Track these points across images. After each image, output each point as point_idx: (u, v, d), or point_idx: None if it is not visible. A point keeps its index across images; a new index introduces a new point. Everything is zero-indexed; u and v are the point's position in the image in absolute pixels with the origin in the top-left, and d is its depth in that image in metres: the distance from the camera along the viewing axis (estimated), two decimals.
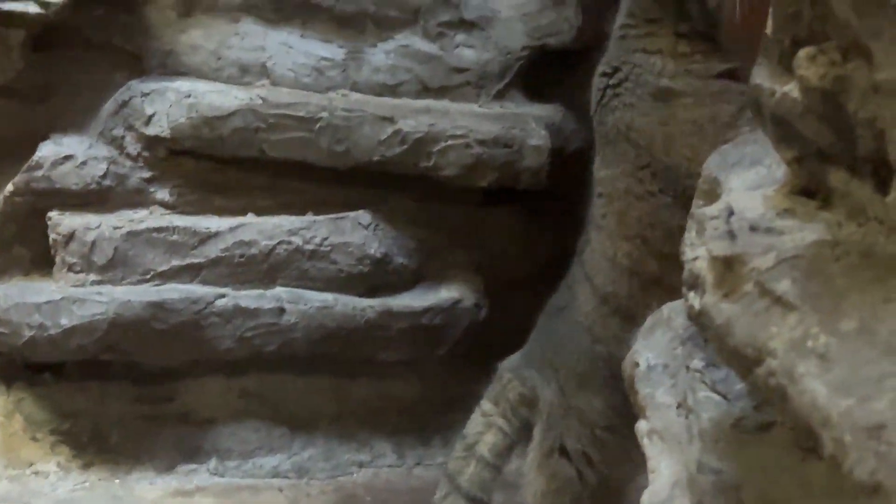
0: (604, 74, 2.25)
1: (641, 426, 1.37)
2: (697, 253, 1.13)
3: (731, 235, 1.06)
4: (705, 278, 1.06)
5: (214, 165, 2.80)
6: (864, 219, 1.00)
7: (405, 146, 2.72)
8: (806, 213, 1.09)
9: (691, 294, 1.11)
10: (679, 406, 1.32)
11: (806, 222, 1.05)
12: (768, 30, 1.11)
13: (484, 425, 2.39)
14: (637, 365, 1.43)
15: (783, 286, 0.93)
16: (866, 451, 0.73)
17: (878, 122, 0.90)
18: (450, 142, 2.73)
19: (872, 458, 0.72)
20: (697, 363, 1.30)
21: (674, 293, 2.09)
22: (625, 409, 2.16)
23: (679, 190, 2.12)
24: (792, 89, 1.05)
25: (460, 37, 2.85)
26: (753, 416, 1.16)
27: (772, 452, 1.09)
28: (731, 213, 1.11)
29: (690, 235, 1.22)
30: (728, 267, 1.01)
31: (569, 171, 2.76)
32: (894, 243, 0.92)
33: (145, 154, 2.78)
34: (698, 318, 1.07)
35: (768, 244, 1.00)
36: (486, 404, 2.41)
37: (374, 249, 2.79)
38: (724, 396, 1.21)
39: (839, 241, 0.97)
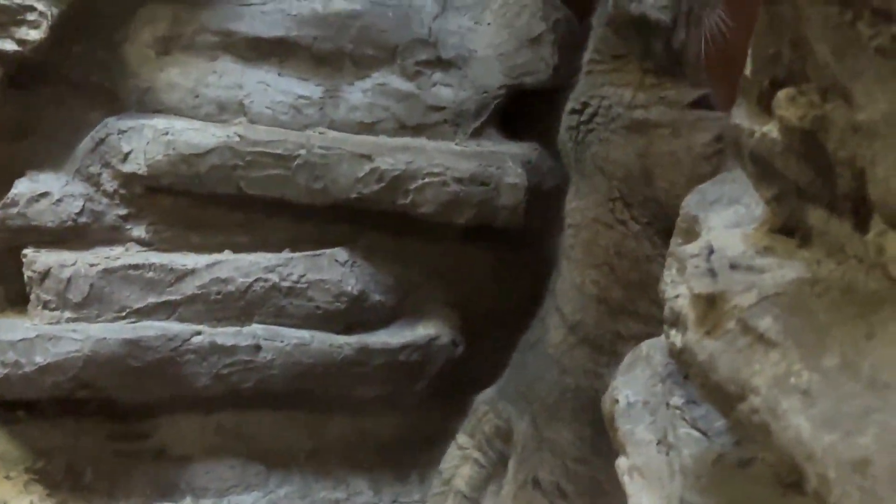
0: (573, 111, 2.29)
1: (622, 463, 1.38)
2: (678, 291, 1.14)
3: (712, 273, 1.07)
4: (687, 316, 1.07)
5: (191, 202, 2.79)
6: (844, 256, 1.02)
7: (382, 183, 2.73)
8: (785, 250, 1.10)
9: (673, 331, 1.12)
10: (659, 443, 1.33)
11: (786, 260, 1.07)
12: (747, 70, 1.13)
13: (460, 458, 2.40)
14: (617, 402, 1.44)
15: (765, 323, 0.94)
16: (851, 486, 0.74)
17: (858, 161, 0.92)
18: (427, 179, 2.73)
19: (857, 493, 0.73)
20: (677, 400, 1.31)
21: (639, 320, 2.11)
22: (595, 441, 2.18)
23: (655, 219, 2.15)
24: (771, 129, 1.07)
25: (437, 75, 2.86)
26: (734, 453, 1.17)
27: (753, 488, 1.10)
28: (711, 251, 1.12)
29: (671, 273, 1.24)
30: (710, 304, 1.02)
31: (545, 208, 2.77)
32: (874, 280, 0.93)
33: (122, 191, 2.77)
34: (680, 356, 1.09)
35: (749, 282, 1.02)
36: (461, 437, 2.42)
37: (351, 286, 2.79)
38: (705, 433, 1.23)
39: (819, 279, 0.98)
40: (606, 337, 2.19)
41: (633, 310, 2.16)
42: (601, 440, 2.16)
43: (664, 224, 2.12)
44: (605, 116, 2.21)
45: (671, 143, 2.14)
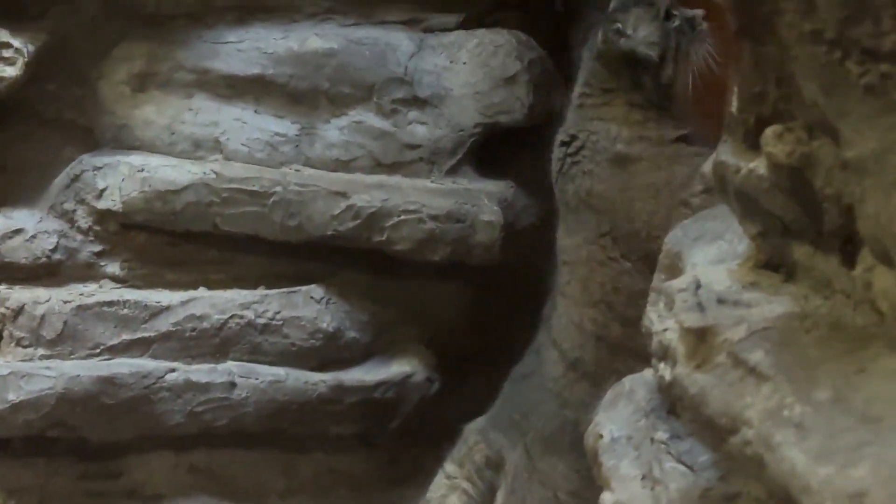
0: (562, 144, 2.31)
1: (606, 498, 1.38)
2: (666, 325, 1.15)
3: (701, 308, 1.08)
4: (676, 349, 1.08)
5: (166, 239, 2.79)
6: (830, 292, 1.03)
7: (358, 221, 2.74)
8: (771, 286, 1.12)
9: (661, 365, 1.13)
10: (644, 478, 1.33)
11: (772, 295, 1.08)
12: (732, 108, 1.14)
13: (448, 488, 2.39)
14: (601, 437, 1.44)
15: (756, 357, 0.95)
16: None
17: (846, 198, 0.94)
18: (403, 217, 2.74)
19: None
20: (662, 435, 1.31)
21: (639, 357, 2.11)
22: (589, 475, 2.18)
23: (641, 254, 2.16)
24: (757, 166, 1.08)
25: (413, 113, 2.88)
26: (720, 487, 1.17)
27: None
28: (698, 285, 1.14)
29: (657, 308, 1.25)
30: (700, 338, 1.03)
31: (520, 246, 2.79)
32: (862, 316, 0.95)
33: (96, 228, 2.77)
34: (669, 389, 1.09)
35: (738, 316, 1.03)
36: (450, 466, 2.42)
37: (327, 324, 2.78)
38: (690, 467, 1.23)
39: (808, 314, 1.00)
40: (606, 374, 2.19)
41: (632, 346, 2.15)
42: None
43: (648, 264, 2.14)
44: (591, 150, 2.23)
45: (651, 175, 2.16)
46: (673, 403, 1.19)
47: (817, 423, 0.84)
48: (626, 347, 2.15)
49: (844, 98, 0.90)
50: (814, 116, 0.98)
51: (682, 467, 1.23)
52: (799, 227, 1.07)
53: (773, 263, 1.16)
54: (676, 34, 2.20)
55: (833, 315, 0.98)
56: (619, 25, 2.19)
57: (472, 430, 2.41)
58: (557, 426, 2.24)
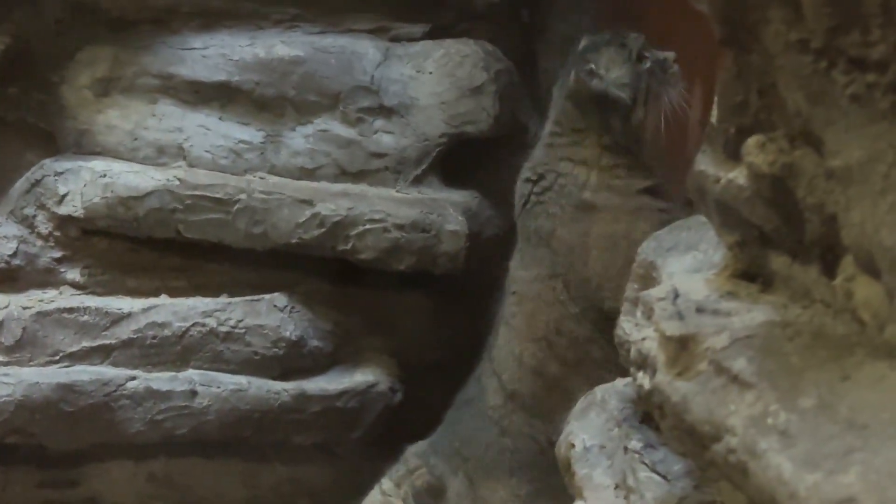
0: (528, 181, 2.29)
1: None
2: (645, 334, 1.15)
3: (680, 316, 1.08)
4: (656, 358, 1.08)
5: (128, 246, 2.77)
6: (809, 301, 1.04)
7: (323, 229, 2.72)
8: (749, 295, 1.12)
9: (640, 374, 1.13)
10: (617, 487, 1.33)
11: (751, 304, 1.09)
12: (713, 118, 1.15)
13: None
14: (573, 446, 1.44)
15: (739, 364, 0.95)
16: None
17: (829, 207, 0.94)
18: (368, 226, 2.73)
19: None
20: (635, 444, 1.31)
21: (575, 395, 2.12)
22: (528, 500, 2.19)
23: (589, 303, 2.16)
24: (737, 176, 1.08)
25: (379, 122, 2.87)
26: (694, 496, 1.17)
27: None
28: (676, 294, 1.14)
29: (634, 317, 1.25)
30: (682, 346, 1.03)
31: (485, 256, 2.79)
32: (843, 324, 0.95)
33: (57, 233, 2.74)
34: (649, 397, 1.09)
35: (719, 325, 1.03)
36: (386, 483, 2.41)
37: (290, 332, 2.77)
38: (665, 477, 1.23)
39: (789, 322, 1.00)
40: (543, 407, 2.20)
41: (568, 386, 2.16)
42: (537, 501, 2.17)
43: (594, 313, 2.15)
44: (558, 193, 2.22)
45: (611, 226, 2.15)
46: (651, 412, 1.19)
47: (803, 431, 0.84)
48: (562, 386, 2.16)
49: (830, 107, 0.90)
50: (796, 126, 0.98)
51: (656, 476, 1.24)
52: (778, 236, 1.08)
53: (750, 273, 1.16)
54: (648, 76, 2.19)
55: (814, 324, 0.98)
56: (592, 66, 2.18)
57: (414, 452, 2.40)
58: (497, 453, 2.25)
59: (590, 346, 2.15)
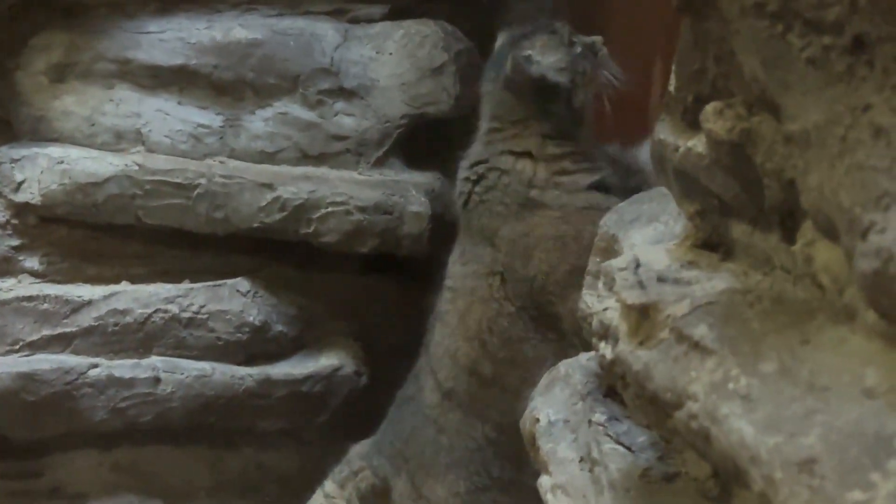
0: (468, 180, 2.27)
1: (544, 481, 1.38)
2: (606, 304, 1.15)
3: (642, 285, 1.08)
4: (618, 327, 1.08)
5: (87, 233, 2.75)
6: (769, 268, 1.04)
7: (285, 213, 2.71)
8: (709, 264, 1.12)
9: (602, 344, 1.13)
10: (582, 460, 1.33)
11: (712, 272, 1.09)
12: (671, 87, 1.14)
13: None
14: (537, 421, 1.44)
15: (700, 331, 0.95)
16: (798, 485, 0.74)
17: (787, 172, 0.94)
18: (330, 208, 2.72)
19: (806, 492, 0.74)
20: (599, 417, 1.31)
21: (508, 395, 2.12)
22: (469, 497, 2.18)
23: (527, 302, 2.14)
24: (696, 144, 1.08)
25: (339, 105, 2.85)
26: (658, 467, 1.17)
27: (680, 501, 1.11)
28: (638, 264, 1.13)
29: (595, 290, 1.24)
30: (643, 315, 1.03)
31: (448, 238, 2.78)
32: (804, 290, 0.95)
33: (14, 221, 2.72)
34: (611, 367, 1.09)
35: (680, 293, 1.03)
36: (329, 485, 2.40)
37: (253, 317, 2.75)
38: (629, 448, 1.23)
39: (749, 289, 1.00)
40: (478, 406, 2.19)
41: (504, 384, 2.16)
42: (480, 496, 2.17)
43: (534, 311, 2.14)
44: (502, 192, 2.20)
45: (559, 227, 2.14)
46: (614, 385, 1.19)
47: (764, 395, 0.84)
48: (498, 384, 2.16)
49: (787, 71, 0.90)
50: (754, 92, 0.98)
51: (620, 448, 1.24)
52: (738, 204, 1.07)
53: (710, 243, 1.16)
54: (581, 59, 2.19)
55: (774, 290, 0.98)
56: (529, 52, 2.17)
57: (357, 454, 2.39)
58: (434, 452, 2.24)
59: (522, 346, 2.14)
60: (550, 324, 2.11)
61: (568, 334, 2.05)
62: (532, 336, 2.13)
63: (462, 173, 2.30)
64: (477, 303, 2.20)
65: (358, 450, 2.41)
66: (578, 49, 2.18)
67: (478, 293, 2.20)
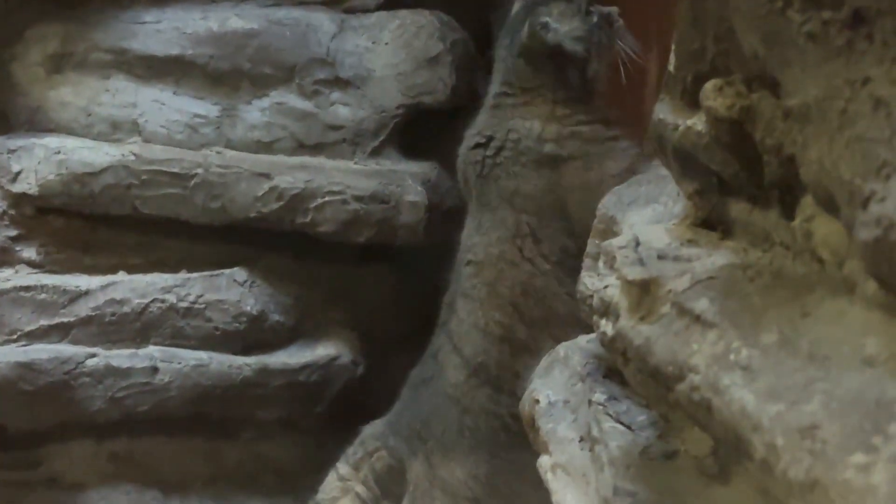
0: (478, 146, 2.26)
1: (544, 461, 1.39)
2: (607, 282, 1.16)
3: (642, 262, 1.09)
4: (619, 304, 1.08)
5: (84, 223, 2.75)
6: (769, 245, 1.05)
7: (282, 202, 2.71)
8: (709, 242, 1.13)
9: (603, 321, 1.14)
10: (582, 440, 1.34)
11: (711, 250, 1.10)
12: (670, 66, 1.15)
13: (340, 490, 2.35)
14: (537, 402, 1.45)
15: (701, 305, 0.96)
16: (800, 451, 0.75)
17: (787, 148, 0.95)
18: (327, 198, 2.72)
19: (807, 457, 0.74)
20: (599, 396, 1.32)
21: (538, 360, 2.13)
22: (488, 480, 2.18)
23: (562, 255, 2.14)
24: (695, 122, 1.09)
25: (336, 94, 2.86)
26: (658, 445, 1.18)
27: (678, 479, 1.12)
28: (637, 243, 1.14)
29: (595, 270, 1.25)
30: (644, 290, 1.04)
31: (445, 227, 2.78)
32: (803, 265, 0.96)
33: (11, 212, 2.72)
34: (612, 343, 1.10)
35: (681, 269, 1.04)
36: (343, 468, 2.37)
37: (250, 306, 2.76)
38: (629, 427, 1.24)
39: (749, 264, 1.01)
40: (507, 377, 2.19)
41: (535, 348, 2.15)
42: (498, 480, 2.17)
43: (574, 262, 2.14)
44: (513, 150, 2.19)
45: (583, 175, 2.14)
46: (614, 366, 1.20)
47: (765, 365, 0.85)
48: (528, 349, 2.14)
49: (786, 47, 0.91)
50: (753, 70, 0.99)
51: (620, 427, 1.24)
52: (737, 182, 1.08)
53: (710, 222, 1.17)
54: (597, 29, 2.19)
55: (774, 266, 0.99)
56: (546, 19, 2.17)
57: (371, 434, 2.37)
58: (456, 433, 2.22)
59: (555, 302, 2.14)
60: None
61: None
62: (566, 291, 2.12)
63: (467, 142, 2.30)
64: (507, 268, 2.19)
65: (371, 431, 2.38)
66: (595, 18, 2.18)
67: (506, 257, 2.20)
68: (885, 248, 0.75)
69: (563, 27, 2.16)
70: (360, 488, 2.33)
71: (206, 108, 2.82)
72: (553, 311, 2.15)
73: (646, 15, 2.38)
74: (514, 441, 2.14)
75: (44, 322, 2.65)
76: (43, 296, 2.65)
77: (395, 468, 2.30)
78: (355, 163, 2.83)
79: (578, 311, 2.04)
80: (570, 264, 2.13)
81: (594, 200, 2.09)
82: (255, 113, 2.83)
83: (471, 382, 2.23)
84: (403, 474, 2.29)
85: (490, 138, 2.24)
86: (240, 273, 2.77)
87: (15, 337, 2.63)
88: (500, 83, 2.28)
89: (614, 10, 2.22)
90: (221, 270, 2.77)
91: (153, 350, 2.70)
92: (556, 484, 1.32)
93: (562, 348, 1.52)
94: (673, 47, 1.14)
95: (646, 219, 1.31)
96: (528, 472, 2.02)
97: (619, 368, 1.20)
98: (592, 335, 1.38)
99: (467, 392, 2.23)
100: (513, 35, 2.24)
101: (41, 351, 2.62)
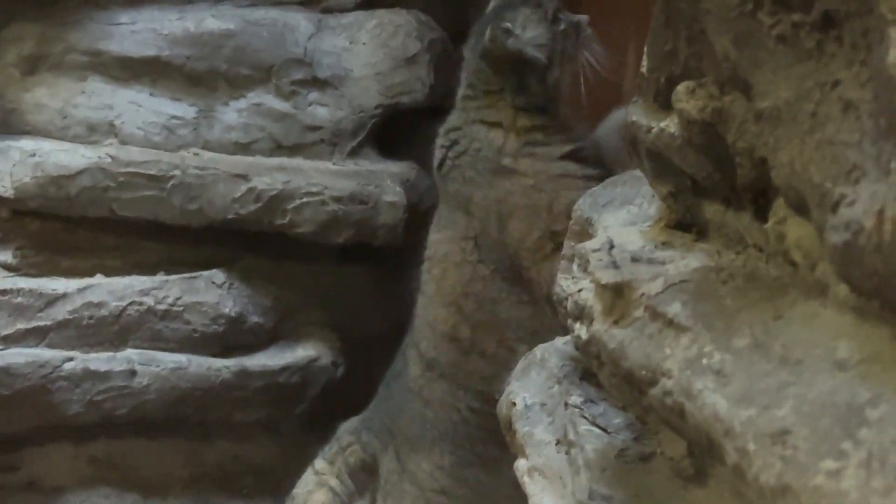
0: (442, 146, 2.27)
1: (521, 464, 1.38)
2: (581, 285, 1.15)
3: (615, 265, 1.09)
4: (593, 307, 1.08)
5: (61, 226, 2.73)
6: (742, 247, 1.04)
7: (260, 204, 2.70)
8: (683, 244, 1.13)
9: (577, 324, 1.13)
10: (558, 443, 1.33)
11: (685, 252, 1.09)
12: (643, 68, 1.15)
13: (315, 484, 2.37)
14: (514, 404, 1.44)
15: (674, 309, 0.96)
16: (772, 456, 0.75)
17: (759, 151, 0.95)
18: (305, 199, 2.71)
19: (779, 462, 0.74)
20: (576, 399, 1.32)
21: (486, 360, 2.14)
22: (456, 471, 2.19)
23: (500, 264, 2.15)
24: (668, 124, 1.09)
25: (313, 95, 2.85)
26: (634, 448, 1.18)
27: (654, 481, 1.12)
28: (611, 245, 1.14)
29: (570, 272, 1.25)
30: (618, 294, 1.03)
31: (424, 227, 2.78)
32: (776, 267, 0.96)
33: None
34: (587, 347, 1.10)
35: (654, 272, 1.03)
36: (319, 463, 2.39)
37: (229, 308, 2.74)
38: (605, 430, 1.24)
39: (722, 267, 1.01)
40: (459, 374, 2.20)
41: (480, 350, 2.17)
42: (464, 471, 2.18)
43: (509, 273, 2.14)
44: (473, 157, 2.19)
45: (531, 196, 2.13)
46: (590, 368, 1.20)
47: (738, 369, 0.85)
48: (475, 350, 2.16)
49: (757, 49, 0.91)
50: (725, 72, 0.98)
51: (596, 430, 1.24)
52: (710, 184, 1.08)
53: (684, 223, 1.17)
54: (563, 37, 2.18)
55: (747, 268, 0.99)
56: (508, 25, 2.15)
57: (346, 430, 2.39)
58: (420, 426, 2.24)
59: (497, 307, 2.14)
60: (524, 287, 2.12)
61: (540, 301, 2.06)
62: (507, 297, 2.13)
63: (438, 140, 2.30)
64: (451, 267, 2.21)
65: (347, 426, 2.40)
66: (562, 26, 2.17)
67: (451, 258, 2.21)
68: (854, 252, 0.75)
69: (526, 34, 2.14)
70: (334, 482, 2.34)
71: (183, 109, 2.81)
72: (496, 315, 2.15)
73: (618, 23, 2.37)
74: (477, 434, 2.16)
75: (20, 326, 2.63)
76: (19, 299, 2.63)
77: (367, 463, 2.32)
78: (333, 163, 2.82)
79: (526, 317, 2.04)
80: (506, 275, 2.14)
81: (536, 224, 2.10)
82: (233, 114, 2.82)
83: (427, 376, 2.25)
84: (376, 469, 2.30)
85: (454, 142, 2.24)
86: (218, 275, 2.76)
87: None
88: (465, 85, 2.28)
89: (584, 18, 2.21)
90: (200, 272, 2.76)
91: (131, 353, 2.69)
92: (533, 487, 1.32)
93: (539, 350, 1.51)
94: (646, 48, 1.14)
95: (621, 220, 1.30)
96: (500, 465, 2.02)
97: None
98: (569, 337, 1.38)
99: (425, 385, 2.25)
100: (478, 37, 2.24)
101: (18, 355, 2.61)
